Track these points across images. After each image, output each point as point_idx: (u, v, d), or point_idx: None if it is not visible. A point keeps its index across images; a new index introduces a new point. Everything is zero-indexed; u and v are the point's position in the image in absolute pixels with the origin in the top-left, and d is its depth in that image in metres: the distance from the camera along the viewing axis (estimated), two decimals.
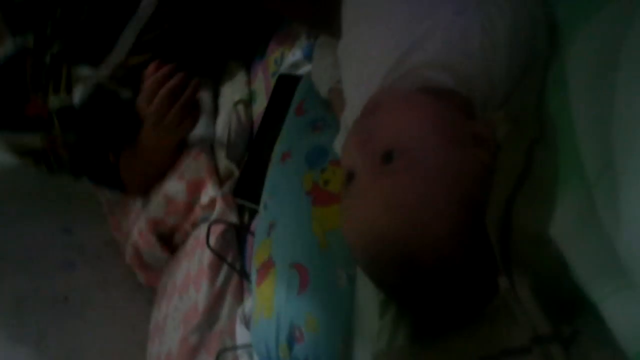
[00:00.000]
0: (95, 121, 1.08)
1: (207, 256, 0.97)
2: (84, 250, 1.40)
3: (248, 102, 1.06)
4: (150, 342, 1.10)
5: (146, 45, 1.06)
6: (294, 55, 0.90)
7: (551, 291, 0.42)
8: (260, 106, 1.01)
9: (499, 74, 0.54)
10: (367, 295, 0.63)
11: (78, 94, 1.06)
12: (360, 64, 0.63)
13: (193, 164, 1.06)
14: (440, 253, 0.48)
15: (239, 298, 0.97)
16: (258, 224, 0.82)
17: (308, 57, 0.86)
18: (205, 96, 1.13)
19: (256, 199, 0.93)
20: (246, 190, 0.98)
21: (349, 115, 0.66)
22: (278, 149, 0.82)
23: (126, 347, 1.18)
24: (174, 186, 1.07)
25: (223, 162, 1.05)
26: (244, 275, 0.96)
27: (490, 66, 0.54)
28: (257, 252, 0.77)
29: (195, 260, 1.02)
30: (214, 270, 0.97)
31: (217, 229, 0.97)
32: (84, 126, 1.08)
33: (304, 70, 0.88)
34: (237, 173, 1.03)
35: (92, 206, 1.32)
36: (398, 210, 0.48)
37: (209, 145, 1.09)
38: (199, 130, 1.06)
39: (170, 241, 1.13)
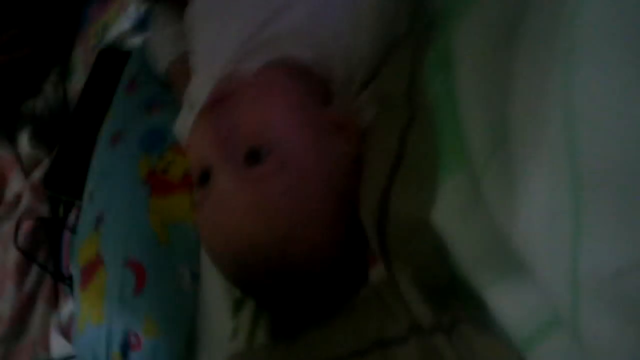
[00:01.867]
0: None
1: (12, 257, 0.83)
2: None
3: (60, 78, 0.92)
4: None
5: None
6: (121, 25, 0.80)
7: (429, 279, 0.41)
8: (77, 83, 0.88)
9: (362, 52, 0.52)
10: (216, 294, 0.58)
11: None
12: (215, 33, 0.57)
13: None
14: (314, 255, 0.45)
15: (53, 304, 0.84)
16: (82, 217, 0.72)
17: (138, 27, 0.77)
18: None
19: (72, 190, 0.81)
20: (60, 180, 0.85)
21: (198, 91, 0.59)
22: (106, 130, 0.72)
23: None
24: None
25: (26, 149, 0.91)
26: (59, 277, 0.83)
27: (353, 42, 0.52)
28: (82, 248, 0.67)
29: None
30: (21, 272, 0.84)
31: (25, 226, 0.84)
32: None
33: (132, 42, 0.78)
34: (47, 160, 0.90)
35: None
36: (269, 216, 0.44)
37: (6, 131, 0.94)
38: None
39: None
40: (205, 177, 0.47)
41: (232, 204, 0.45)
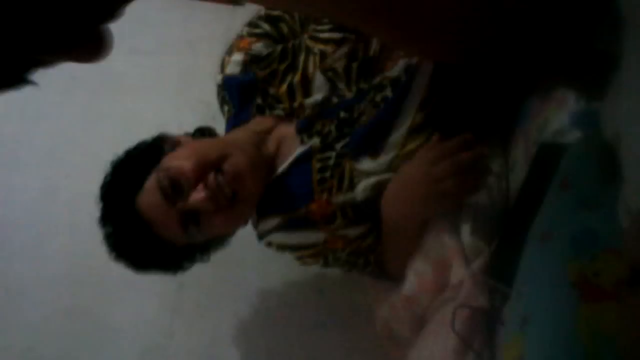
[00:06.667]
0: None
1: (451, 342, 0.89)
2: (334, 311, 1.44)
3: (502, 173, 0.96)
4: None
5: (422, 126, 1.05)
6: (559, 121, 0.79)
7: None
8: (518, 177, 0.90)
9: None
10: None
11: (361, 190, 1.09)
12: None
13: (436, 243, 1.00)
14: None
15: None
16: (510, 314, 0.72)
17: (577, 124, 0.74)
18: None
19: (510, 282, 0.82)
20: (499, 270, 0.88)
21: None
22: (537, 227, 0.71)
23: None
24: (421, 265, 1.02)
25: (469, 239, 0.96)
26: None
27: None
28: (508, 347, 0.67)
29: (440, 342, 0.94)
30: (459, 356, 0.89)
31: (464, 312, 0.89)
32: (368, 219, 1.11)
33: (569, 138, 0.76)
34: (486, 251, 0.93)
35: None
36: None
37: (453, 221, 1.02)
38: None
39: (421, 321, 1.07)
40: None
41: None
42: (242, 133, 1.22)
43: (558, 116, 0.80)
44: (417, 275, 1.03)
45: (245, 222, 1.21)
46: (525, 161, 0.89)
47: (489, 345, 0.87)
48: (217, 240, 1.21)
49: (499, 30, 0.78)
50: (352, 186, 1.09)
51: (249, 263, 1.46)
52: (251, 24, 1.27)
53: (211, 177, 1.06)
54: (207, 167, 1.07)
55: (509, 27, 0.77)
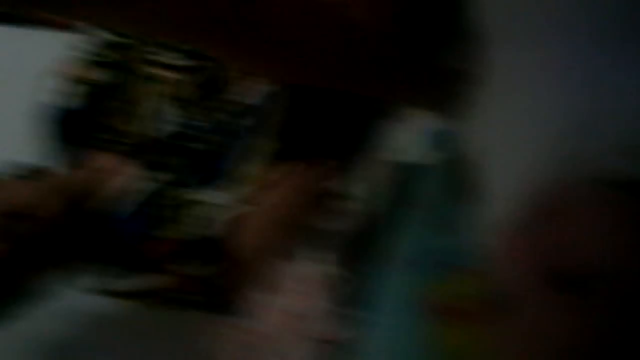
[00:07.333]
0: None
1: None
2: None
3: (365, 198, 0.96)
4: None
5: (279, 154, 1.01)
6: (416, 141, 0.79)
7: None
8: (380, 201, 0.90)
9: None
10: None
11: (211, 225, 1.02)
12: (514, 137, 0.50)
13: (296, 273, 0.96)
14: None
15: None
16: (363, 341, 0.69)
17: (433, 144, 0.74)
18: None
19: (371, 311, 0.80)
20: (361, 300, 0.85)
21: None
22: (392, 251, 0.69)
23: None
24: (278, 298, 0.97)
25: (330, 268, 0.93)
26: None
27: None
28: None
29: None
30: None
31: (321, 347, 0.85)
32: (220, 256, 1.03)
33: (425, 159, 0.76)
34: (349, 280, 0.91)
35: None
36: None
37: (314, 250, 0.98)
38: None
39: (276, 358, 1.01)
40: (501, 300, 0.42)
41: (546, 336, 0.39)
42: (74, 173, 1.10)
43: (415, 137, 0.81)
44: (273, 309, 0.97)
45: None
46: (385, 184, 0.89)
47: None
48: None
49: (351, 52, 0.77)
50: (200, 223, 1.02)
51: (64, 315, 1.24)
52: (86, 50, 1.16)
53: (22, 227, 0.93)
54: (20, 215, 0.94)
55: (360, 50, 0.76)
